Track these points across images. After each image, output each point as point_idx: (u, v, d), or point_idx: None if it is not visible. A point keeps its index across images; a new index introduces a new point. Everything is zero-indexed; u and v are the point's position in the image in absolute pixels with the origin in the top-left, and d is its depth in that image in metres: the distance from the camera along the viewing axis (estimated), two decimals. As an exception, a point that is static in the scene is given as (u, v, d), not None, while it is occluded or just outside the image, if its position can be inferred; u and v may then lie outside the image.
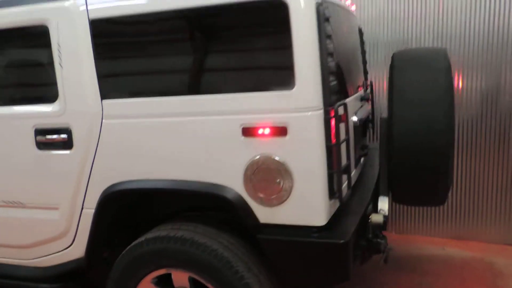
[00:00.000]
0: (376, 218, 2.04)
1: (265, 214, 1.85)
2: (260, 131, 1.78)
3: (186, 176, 1.93)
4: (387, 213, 2.27)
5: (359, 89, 2.73)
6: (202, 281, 1.98)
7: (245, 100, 1.79)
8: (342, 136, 1.88)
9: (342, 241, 1.76)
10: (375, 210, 2.30)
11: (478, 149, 3.63)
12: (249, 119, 1.79)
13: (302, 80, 1.72)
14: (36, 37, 2.11)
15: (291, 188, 1.78)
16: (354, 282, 3.05)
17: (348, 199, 2.10)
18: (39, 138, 2.14)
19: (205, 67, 1.88)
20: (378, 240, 2.14)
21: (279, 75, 1.76)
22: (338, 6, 2.21)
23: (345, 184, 1.97)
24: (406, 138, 2.15)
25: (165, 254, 1.99)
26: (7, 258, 2.44)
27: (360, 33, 3.21)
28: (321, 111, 1.75)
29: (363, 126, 2.80)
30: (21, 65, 2.27)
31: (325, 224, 1.82)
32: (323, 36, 1.75)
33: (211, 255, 1.91)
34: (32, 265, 2.38)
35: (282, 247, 1.85)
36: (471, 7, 3.48)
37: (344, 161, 1.92)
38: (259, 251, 1.95)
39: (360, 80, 2.86)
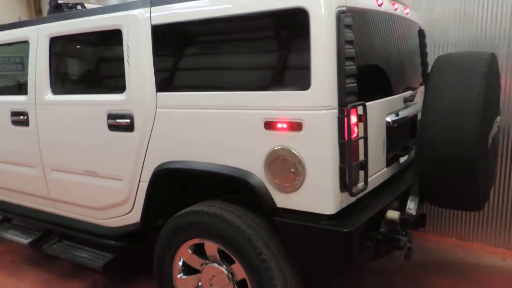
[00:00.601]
0: (391, 214, 2.13)
1: (281, 199, 2.07)
2: (279, 125, 2.00)
3: (218, 160, 2.22)
4: (414, 213, 2.34)
5: (406, 90, 2.76)
6: (228, 252, 2.27)
7: (268, 98, 2.03)
8: (359, 134, 2.01)
9: (346, 230, 1.91)
10: (403, 208, 2.37)
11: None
12: (270, 114, 2.02)
13: (317, 81, 1.90)
14: (113, 38, 2.57)
15: (304, 178, 1.98)
16: (397, 282, 3.11)
17: (369, 194, 2.22)
18: (110, 121, 2.60)
19: (237, 68, 2.16)
20: (398, 236, 2.22)
21: (298, 76, 1.96)
22: (377, 13, 2.31)
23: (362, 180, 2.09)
24: (433, 142, 2.19)
25: (198, 226, 2.32)
26: (87, 216, 2.99)
27: (421, 35, 3.20)
28: (335, 110, 1.91)
29: (410, 127, 2.84)
30: (100, 61, 2.78)
31: (335, 214, 1.98)
32: (342, 41, 1.90)
33: (235, 230, 2.19)
34: (103, 224, 2.90)
35: (294, 231, 2.05)
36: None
37: (360, 157, 2.05)
38: (280, 233, 2.18)
39: (410, 82, 2.89)
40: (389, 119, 2.40)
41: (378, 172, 2.36)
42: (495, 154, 2.67)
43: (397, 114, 2.47)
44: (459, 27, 3.63)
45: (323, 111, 1.91)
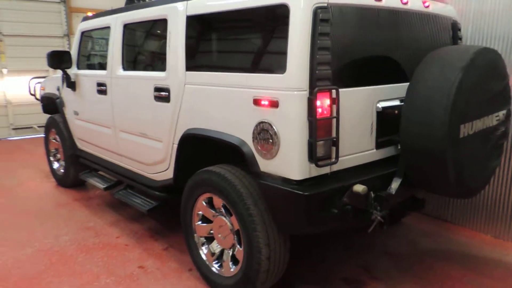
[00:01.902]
0: (356, 187, 2.38)
1: (263, 165, 2.49)
2: (263, 102, 2.41)
3: (222, 129, 2.71)
4: (393, 192, 2.57)
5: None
6: (227, 206, 2.76)
7: (256, 79, 2.45)
8: (331, 115, 2.32)
9: (306, 193, 2.27)
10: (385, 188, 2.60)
11: None
12: (257, 93, 2.44)
13: (291, 67, 2.26)
14: (162, 26, 3.20)
15: (278, 147, 2.37)
16: (420, 274, 3.30)
17: (351, 169, 2.52)
18: (155, 93, 3.25)
19: (235, 53, 2.61)
20: (371, 210, 2.48)
21: (277, 61, 2.33)
22: (374, 8, 2.53)
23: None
24: (408, 128, 2.40)
25: (208, 183, 2.84)
26: (141, 170, 3.73)
27: (454, 28, 3.24)
28: (305, 92, 2.26)
29: None
30: (152, 44, 3.44)
31: (304, 180, 2.34)
32: (316, 34, 2.22)
33: (232, 188, 2.66)
34: (151, 177, 3.60)
35: (271, 191, 2.46)
36: None
37: (333, 135, 2.35)
38: (266, 194, 2.59)
39: None
40: (380, 105, 2.63)
41: (363, 151, 2.62)
42: (495, 146, 2.69)
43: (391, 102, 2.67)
44: (506, 20, 3.52)
45: (295, 92, 2.27)
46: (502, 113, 2.66)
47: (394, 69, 2.76)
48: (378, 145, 2.70)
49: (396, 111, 2.68)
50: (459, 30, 3.30)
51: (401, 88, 2.68)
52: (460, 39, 3.32)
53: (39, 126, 8.39)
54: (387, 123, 2.69)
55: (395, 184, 2.60)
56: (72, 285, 3.06)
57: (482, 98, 2.44)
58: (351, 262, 3.38)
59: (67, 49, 4.64)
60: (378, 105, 2.63)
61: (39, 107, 5.58)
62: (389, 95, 2.70)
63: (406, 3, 2.76)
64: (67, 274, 3.22)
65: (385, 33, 2.68)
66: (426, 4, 2.94)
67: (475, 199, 3.93)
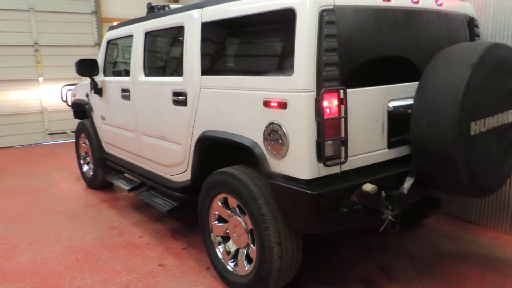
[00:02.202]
0: (365, 187, 2.39)
1: (274, 165, 2.55)
2: (272, 104, 2.47)
3: (236, 131, 2.79)
4: (405, 192, 2.57)
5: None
6: (241, 205, 2.83)
7: (266, 81, 2.52)
8: (340, 115, 2.35)
9: (314, 192, 2.31)
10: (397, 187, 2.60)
11: None
12: (267, 95, 2.50)
13: (298, 69, 2.31)
14: (179, 33, 3.32)
15: (287, 148, 2.42)
16: (438, 276, 3.28)
17: (363, 169, 2.54)
18: (174, 97, 3.38)
19: (245, 57, 2.69)
20: (382, 209, 2.49)
21: (285, 64, 2.39)
22: (383, 8, 2.55)
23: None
24: (418, 127, 2.40)
25: (223, 183, 2.92)
26: (161, 172, 3.87)
27: (471, 25, 3.21)
28: (312, 93, 2.30)
29: None
30: (170, 50, 3.57)
31: (313, 179, 2.38)
32: (322, 36, 2.27)
33: (245, 188, 2.73)
34: (171, 179, 3.73)
35: (282, 191, 2.51)
36: None
37: (342, 135, 2.38)
38: (277, 194, 2.65)
39: None
40: (391, 104, 2.64)
41: (374, 151, 2.63)
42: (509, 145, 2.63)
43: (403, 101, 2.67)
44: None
45: (302, 93, 2.32)
46: (517, 111, 2.60)
47: (406, 68, 2.76)
48: (391, 145, 2.70)
49: (409, 110, 2.67)
50: (477, 27, 3.25)
51: (414, 87, 2.66)
52: (478, 36, 3.27)
53: (72, 132, 8.76)
54: (399, 122, 2.68)
55: (407, 184, 2.60)
56: (94, 281, 3.21)
57: (495, 95, 2.41)
58: (369, 263, 3.37)
59: (95, 58, 4.91)
60: (389, 104, 2.64)
61: (71, 113, 5.85)
62: (401, 94, 2.70)
63: (417, 2, 2.76)
64: (90, 270, 3.38)
65: (396, 33, 2.68)
66: (439, 2, 2.93)
67: (499, 200, 3.83)
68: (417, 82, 2.67)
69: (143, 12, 4.38)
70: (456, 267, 3.27)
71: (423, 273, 3.20)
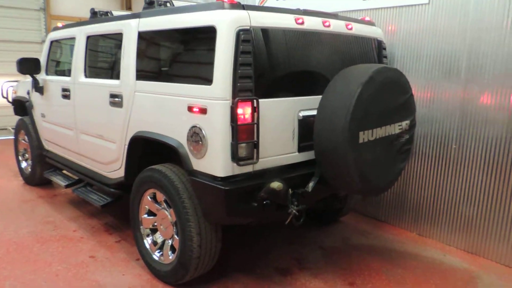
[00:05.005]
0: (272, 184, 2.74)
1: (195, 163, 2.86)
2: (195, 109, 2.79)
3: (164, 132, 3.07)
4: (309, 190, 2.96)
5: None
6: (167, 200, 3.11)
7: (190, 89, 2.83)
8: (252, 121, 2.69)
9: (226, 188, 2.65)
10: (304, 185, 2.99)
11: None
12: (191, 101, 2.82)
13: (216, 79, 2.65)
14: (119, 40, 3.56)
15: (206, 148, 2.74)
16: (344, 266, 3.68)
17: (276, 169, 2.90)
18: (110, 99, 3.60)
19: (173, 66, 3.00)
20: (288, 204, 2.86)
21: (206, 74, 2.71)
22: (296, 30, 2.93)
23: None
24: (318, 134, 2.81)
25: (152, 179, 3.19)
26: (96, 168, 4.06)
27: (379, 47, 3.69)
28: (228, 101, 2.64)
29: None
30: (108, 55, 3.80)
31: (228, 177, 2.71)
32: (238, 52, 2.61)
33: (170, 183, 3.02)
34: (107, 175, 3.93)
35: (200, 187, 2.82)
36: None
37: (254, 138, 2.73)
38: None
39: None
40: (301, 114, 3.03)
41: (285, 154, 3.01)
42: (400, 151, 3.11)
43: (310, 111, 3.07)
44: (431, 41, 3.97)
45: (220, 101, 2.65)
46: (405, 123, 3.08)
47: (316, 83, 3.17)
48: (300, 149, 3.09)
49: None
50: (384, 49, 3.74)
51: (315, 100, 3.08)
52: (385, 57, 3.76)
53: (13, 128, 8.59)
54: (308, 130, 3.07)
55: (311, 183, 3.00)
56: (24, 271, 3.35)
57: (383, 109, 2.86)
58: (287, 254, 3.76)
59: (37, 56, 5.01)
60: (299, 114, 3.03)
61: (12, 109, 5.84)
62: (310, 106, 3.09)
63: (328, 26, 3.18)
64: (21, 261, 3.51)
65: (308, 52, 3.09)
66: (349, 26, 3.37)
67: (403, 201, 4.36)
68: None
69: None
70: (361, 258, 3.73)
71: (332, 263, 3.63)
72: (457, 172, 3.92)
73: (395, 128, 3.00)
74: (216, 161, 2.72)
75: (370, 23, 3.74)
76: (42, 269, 3.39)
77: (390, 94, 2.91)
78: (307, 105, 3.08)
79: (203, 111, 2.74)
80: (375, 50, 3.69)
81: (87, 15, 5.95)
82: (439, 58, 3.94)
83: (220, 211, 2.74)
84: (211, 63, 2.68)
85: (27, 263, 3.49)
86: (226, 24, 2.62)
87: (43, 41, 9.12)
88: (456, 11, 3.78)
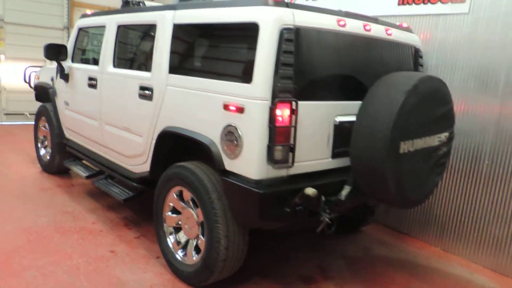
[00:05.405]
0: (307, 190, 2.66)
1: (228, 163, 2.77)
2: (231, 108, 2.70)
3: (196, 129, 2.99)
4: (343, 198, 2.86)
5: None
6: (195, 199, 3.04)
7: (227, 86, 2.75)
8: (290, 124, 2.61)
9: (261, 191, 2.56)
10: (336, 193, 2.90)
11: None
12: (227, 99, 2.73)
13: (257, 78, 2.56)
14: (151, 31, 3.49)
15: (241, 149, 2.66)
16: (368, 277, 3.59)
17: (309, 175, 2.81)
18: (140, 91, 3.54)
19: (212, 63, 2.92)
20: (321, 212, 2.78)
21: (246, 72, 2.63)
22: (337, 32, 2.84)
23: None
24: (356, 142, 2.71)
25: (179, 176, 3.12)
26: (121, 162, 4.00)
27: (416, 54, 3.58)
28: (267, 102, 2.55)
29: None
30: (140, 45, 3.73)
31: (262, 180, 2.63)
32: (281, 51, 2.53)
33: (199, 182, 2.94)
34: (130, 169, 3.87)
35: (233, 188, 2.74)
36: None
37: (291, 142, 2.65)
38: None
39: None
40: (338, 119, 2.94)
41: (319, 159, 2.92)
42: (437, 164, 3.00)
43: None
44: (467, 52, 3.85)
45: (259, 101, 2.57)
46: (444, 135, 2.98)
47: (354, 88, 3.07)
48: (334, 155, 3.00)
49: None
50: (421, 57, 3.63)
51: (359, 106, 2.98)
52: (421, 65, 3.65)
53: (30, 114, 8.59)
54: (343, 136, 2.97)
55: (345, 191, 2.90)
56: (45, 262, 3.30)
57: (424, 119, 2.75)
58: (311, 262, 3.66)
59: (65, 42, 4.93)
60: (336, 119, 2.94)
61: (31, 95, 5.81)
62: (347, 111, 2.99)
63: (369, 30, 3.08)
64: (41, 251, 3.46)
65: (348, 55, 2.99)
66: (389, 31, 3.27)
67: (428, 214, 4.25)
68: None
69: (116, 2, 4.47)
70: (385, 271, 3.63)
71: (356, 274, 3.53)
72: (488, 188, 3.80)
73: (434, 140, 2.90)
74: (251, 163, 2.64)
75: (408, 29, 3.63)
76: (62, 261, 3.33)
77: (432, 104, 2.80)
78: (344, 111, 2.98)
79: (240, 110, 2.66)
80: (411, 57, 3.58)
81: (108, 3, 5.89)
82: (475, 70, 3.82)
83: (252, 214, 2.66)
84: (251, 61, 2.59)
85: (47, 253, 3.44)
86: (270, 22, 2.53)
87: (65, 28, 9.13)
88: (497, 23, 3.67)
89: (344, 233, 4.29)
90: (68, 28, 9.13)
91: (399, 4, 4.34)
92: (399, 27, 3.50)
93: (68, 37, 9.03)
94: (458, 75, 3.93)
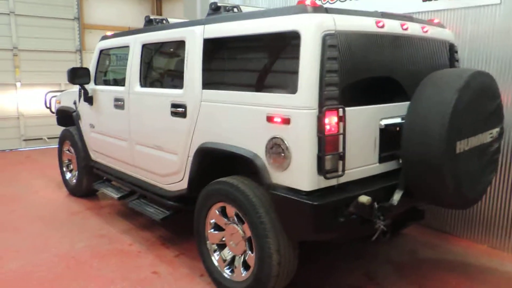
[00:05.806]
0: (361, 198, 2.58)
1: (275, 176, 2.70)
2: (275, 119, 2.63)
3: (237, 144, 2.92)
4: (395, 203, 2.77)
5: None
6: (240, 215, 2.96)
7: (269, 98, 2.68)
8: (338, 131, 2.53)
9: (315, 203, 2.48)
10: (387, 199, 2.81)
11: None
12: (270, 110, 2.66)
13: (302, 88, 2.49)
14: (179, 47, 3.44)
15: (290, 161, 2.58)
16: (418, 281, 3.48)
17: (357, 182, 2.73)
18: (172, 109, 3.48)
19: (251, 75, 2.85)
20: (375, 219, 2.68)
21: (290, 82, 2.56)
22: (377, 33, 2.77)
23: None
24: (408, 144, 2.62)
25: (222, 192, 3.05)
26: (155, 181, 3.94)
27: (451, 50, 3.49)
28: (315, 111, 2.48)
29: None
30: (168, 64, 3.68)
31: (313, 191, 2.55)
32: (325, 58, 2.46)
33: (245, 198, 2.86)
34: (165, 188, 3.80)
35: (282, 201, 2.66)
36: None
37: (340, 150, 2.57)
38: (276, 204, 2.79)
39: None
40: (383, 123, 2.86)
41: (367, 165, 2.83)
42: (490, 161, 2.90)
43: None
44: (500, 43, 3.75)
45: (305, 111, 2.49)
46: (495, 131, 2.88)
47: (395, 89, 2.99)
48: (381, 159, 2.91)
49: (398, 128, 2.90)
50: (456, 52, 3.54)
51: (402, 107, 2.89)
52: (457, 60, 3.56)
53: (48, 138, 8.63)
54: (389, 139, 2.90)
55: (397, 196, 2.81)
56: (90, 288, 3.24)
57: (476, 117, 2.66)
58: (356, 270, 3.56)
59: (81, 65, 4.93)
60: (381, 122, 2.86)
61: (49, 119, 5.82)
62: (391, 113, 2.92)
63: (406, 29, 3.00)
64: (83, 278, 3.40)
65: (387, 56, 2.92)
66: (425, 29, 3.19)
67: (472, 212, 4.12)
68: (405, 103, 2.90)
69: (126, 20, 4.44)
70: (434, 273, 3.51)
71: (405, 279, 3.42)
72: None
73: (487, 137, 2.81)
74: (301, 174, 2.56)
75: (440, 25, 3.55)
76: (106, 287, 3.26)
77: (483, 100, 2.72)
78: (388, 113, 2.90)
79: (286, 121, 2.58)
80: (447, 53, 3.49)
81: (119, 23, 5.89)
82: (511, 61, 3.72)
83: (307, 227, 2.58)
84: (294, 71, 2.52)
85: (90, 279, 3.38)
86: (312, 29, 2.46)
87: (77, 50, 9.17)
88: (531, 11, 3.57)
89: (384, 238, 4.17)
90: (80, 50, 9.17)
91: (423, 1, 4.25)
92: (432, 24, 3.42)
93: (81, 59, 9.07)
94: (493, 67, 3.83)
